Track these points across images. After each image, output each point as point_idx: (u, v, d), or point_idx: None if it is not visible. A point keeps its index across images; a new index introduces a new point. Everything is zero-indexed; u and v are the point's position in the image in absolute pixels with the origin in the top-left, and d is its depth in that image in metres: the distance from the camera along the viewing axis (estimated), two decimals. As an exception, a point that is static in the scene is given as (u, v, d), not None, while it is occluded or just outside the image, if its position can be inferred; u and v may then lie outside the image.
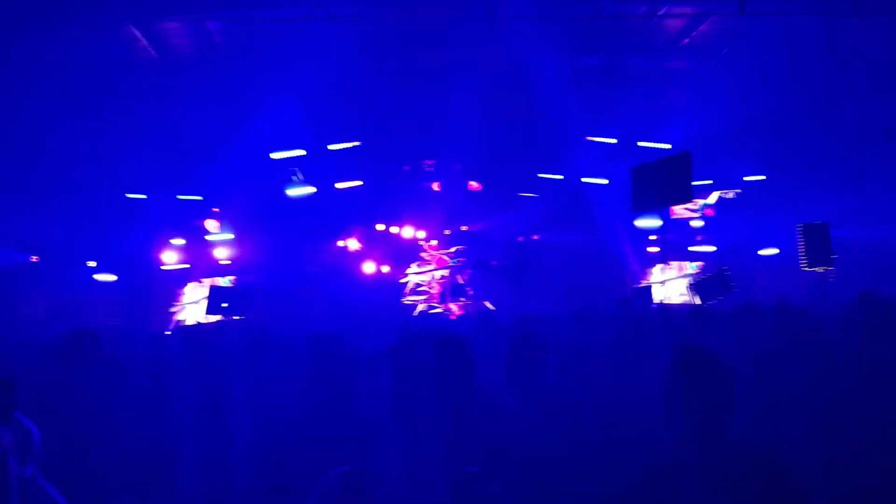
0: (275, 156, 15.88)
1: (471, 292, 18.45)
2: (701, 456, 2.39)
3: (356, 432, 2.78)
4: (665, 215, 17.32)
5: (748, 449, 2.43)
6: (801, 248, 9.26)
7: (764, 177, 17.43)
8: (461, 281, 18.73)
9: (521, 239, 18.98)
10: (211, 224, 18.29)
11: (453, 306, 18.26)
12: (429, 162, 18.14)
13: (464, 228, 19.24)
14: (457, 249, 19.06)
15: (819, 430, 3.23)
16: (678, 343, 2.64)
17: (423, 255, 18.99)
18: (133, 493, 3.73)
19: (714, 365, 2.50)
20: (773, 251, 17.79)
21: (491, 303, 17.52)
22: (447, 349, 2.01)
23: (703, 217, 18.60)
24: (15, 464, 2.31)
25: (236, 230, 18.19)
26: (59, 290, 16.44)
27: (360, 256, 18.60)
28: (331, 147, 15.80)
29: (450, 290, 18.58)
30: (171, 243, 18.16)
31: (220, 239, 18.29)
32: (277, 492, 3.42)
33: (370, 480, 1.94)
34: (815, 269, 9.12)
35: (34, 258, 16.59)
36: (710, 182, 16.86)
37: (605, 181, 17.25)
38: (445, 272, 18.80)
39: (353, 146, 15.82)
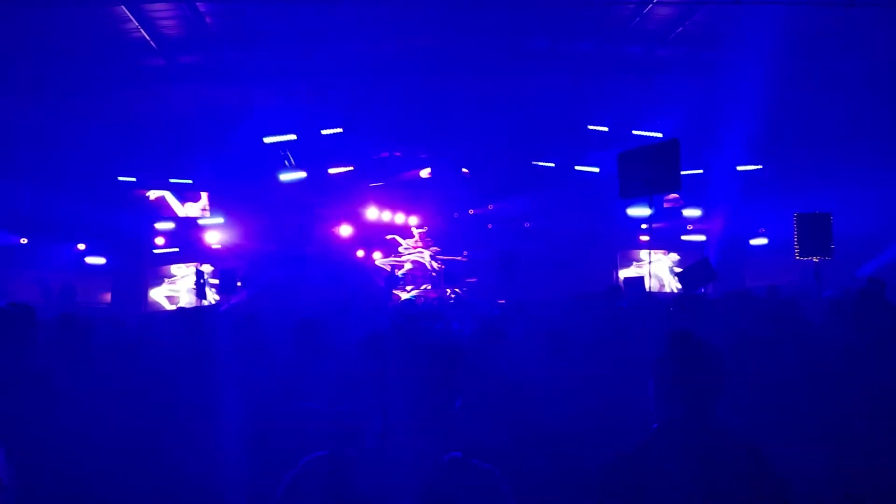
0: (267, 140, 15.80)
1: (460, 282, 18.46)
2: (684, 440, 2.38)
3: (339, 416, 2.77)
4: (658, 204, 17.31)
5: (732, 435, 2.42)
6: (796, 237, 9.29)
7: (760, 166, 17.44)
8: (440, 267, 18.75)
9: (527, 225, 18.97)
10: (201, 207, 18.22)
11: (443, 293, 18.27)
12: (422, 155, 18.12)
13: (456, 216, 19.24)
14: (447, 237, 19.05)
15: (807, 419, 3.23)
16: (667, 329, 2.64)
17: (411, 241, 18.98)
18: (122, 473, 3.70)
19: (702, 348, 2.49)
20: (762, 241, 17.91)
21: (484, 290, 17.55)
22: (434, 336, 2.00)
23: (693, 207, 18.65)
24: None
25: (226, 214, 18.13)
26: (48, 272, 16.35)
27: (350, 242, 18.57)
28: (324, 132, 15.71)
29: (441, 277, 18.58)
30: (160, 227, 18.08)
31: (210, 223, 18.23)
32: (261, 473, 3.40)
33: (349, 464, 1.92)
34: (810, 258, 9.14)
35: (23, 240, 16.48)
36: (701, 171, 16.82)
37: (597, 169, 17.25)
38: (428, 259, 18.80)
39: (343, 131, 15.71)
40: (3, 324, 3.83)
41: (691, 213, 18.73)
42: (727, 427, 2.42)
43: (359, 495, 1.88)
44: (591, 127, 15.89)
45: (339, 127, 15.52)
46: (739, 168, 17.32)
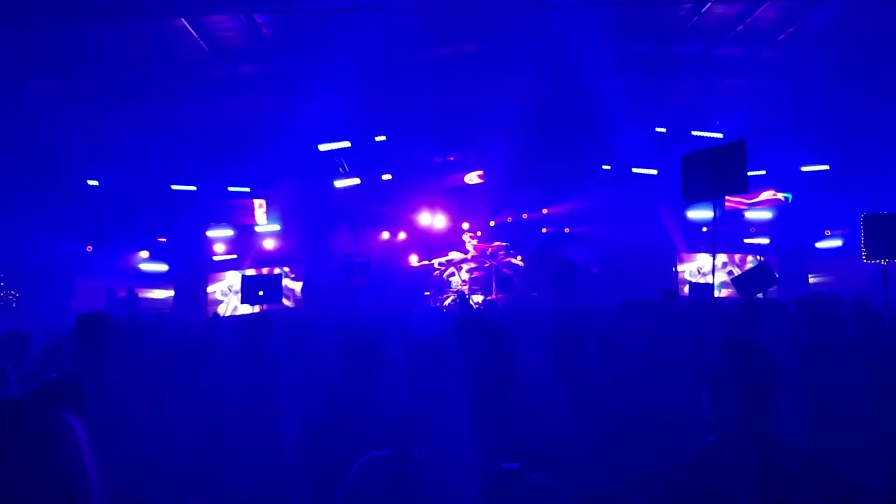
0: (322, 147, 15.99)
1: (516, 282, 18.32)
2: (745, 451, 2.27)
3: (395, 422, 2.75)
4: (719, 206, 16.87)
5: (795, 446, 2.31)
6: (863, 239, 8.93)
7: (827, 166, 16.87)
8: (507, 272, 18.62)
9: (567, 230, 18.78)
10: (258, 215, 18.57)
11: (496, 298, 18.17)
12: (473, 160, 18.08)
13: (509, 220, 19.12)
14: (499, 241, 18.95)
15: (874, 429, 3.07)
16: (726, 335, 2.54)
17: (466, 246, 18.94)
18: (178, 481, 3.75)
19: (762, 357, 2.37)
20: (836, 243, 17.23)
21: (537, 295, 17.38)
22: (487, 338, 1.96)
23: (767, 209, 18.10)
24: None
25: (283, 221, 18.43)
26: (112, 279, 16.87)
27: (402, 248, 18.65)
28: (377, 139, 15.82)
29: (496, 282, 18.47)
30: (218, 234, 18.48)
31: (266, 230, 18.56)
32: (319, 481, 3.41)
33: (411, 466, 1.90)
34: (878, 260, 8.77)
35: (89, 248, 17.05)
36: (764, 172, 16.35)
37: (655, 171, 16.94)
38: (486, 263, 18.72)
39: (391, 138, 15.80)
40: (85, 329, 4.03)
41: (759, 215, 18.16)
42: (790, 439, 2.30)
43: (419, 498, 1.85)
44: (658, 129, 15.59)
45: (388, 134, 15.61)
46: (804, 168, 16.79)
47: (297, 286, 17.92)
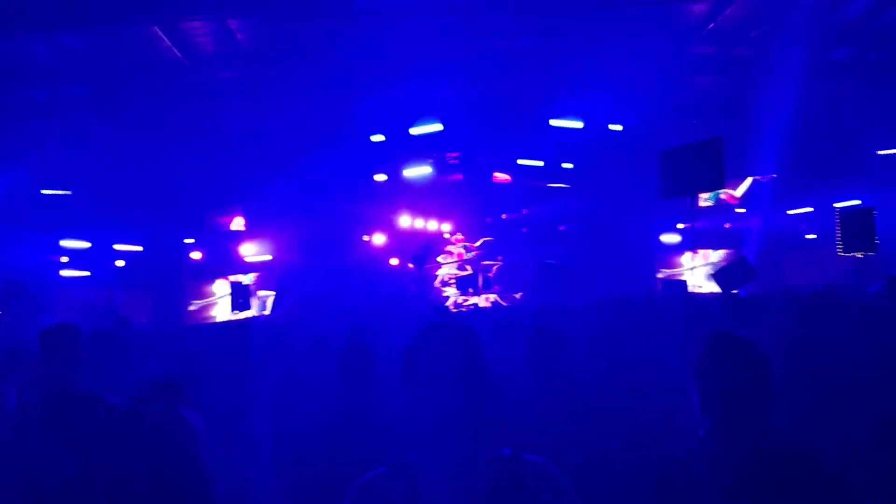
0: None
1: (497, 288, 18.38)
2: (732, 445, 2.30)
3: (385, 427, 2.75)
4: (695, 203, 17.00)
5: (785, 439, 2.34)
6: (839, 233, 9.08)
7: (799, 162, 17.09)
8: (490, 274, 18.66)
9: (561, 228, 18.84)
10: (237, 222, 18.45)
11: (481, 299, 18.21)
12: (452, 154, 18.01)
13: (488, 220, 19.17)
14: (483, 242, 18.99)
15: (859, 421, 3.12)
16: (709, 330, 2.57)
17: (448, 248, 18.95)
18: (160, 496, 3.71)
19: (748, 349, 2.40)
20: (810, 236, 17.49)
21: (519, 295, 17.46)
22: (458, 337, 1.98)
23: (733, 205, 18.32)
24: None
25: (263, 227, 18.33)
26: (89, 288, 16.67)
27: (385, 251, 18.61)
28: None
29: (479, 284, 18.51)
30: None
31: (248, 243, 18.45)
32: (306, 491, 3.40)
33: (411, 474, 1.91)
34: (854, 254, 8.93)
35: (64, 259, 16.84)
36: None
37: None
38: (469, 265, 18.74)
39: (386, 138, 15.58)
40: (50, 344, 3.92)
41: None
42: (779, 432, 2.34)
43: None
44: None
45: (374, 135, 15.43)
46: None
47: (269, 294, 17.80)
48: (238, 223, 18.50)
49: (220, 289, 18.65)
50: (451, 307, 17.07)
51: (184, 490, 1.68)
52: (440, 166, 18.03)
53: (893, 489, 2.73)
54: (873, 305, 5.26)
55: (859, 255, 8.87)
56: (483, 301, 18.14)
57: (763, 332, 3.36)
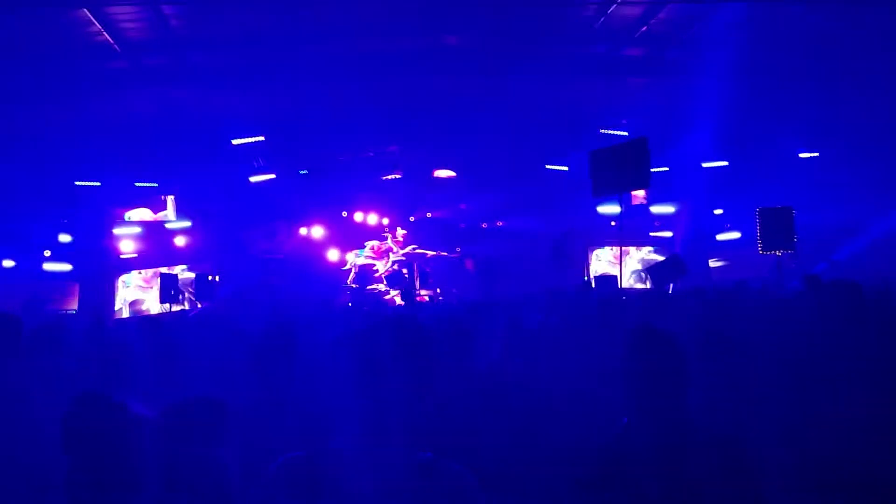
0: (235, 142, 15.64)
1: (432, 283, 18.38)
2: (655, 432, 2.42)
3: (311, 419, 2.75)
4: (626, 200, 17.41)
5: (704, 427, 2.47)
6: (759, 232, 9.45)
7: (726, 163, 17.65)
8: (428, 269, 18.65)
9: (484, 226, 18.97)
10: (168, 211, 18.00)
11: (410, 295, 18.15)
12: (392, 148, 17.94)
13: (428, 215, 19.15)
14: (405, 236, 18.91)
15: (776, 412, 3.27)
16: (633, 325, 2.68)
17: (383, 242, 18.83)
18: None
19: (668, 344, 2.54)
20: (735, 235, 18.07)
21: (456, 290, 17.51)
22: (402, 333, 2.00)
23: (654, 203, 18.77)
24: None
25: (194, 217, 17.91)
26: (12, 279, 16.00)
27: (322, 244, 18.41)
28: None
29: (415, 278, 18.46)
30: (122, 231, 17.78)
31: (177, 227, 17.99)
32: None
33: (322, 465, 1.92)
34: (773, 252, 9.31)
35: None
36: (667, 169, 16.97)
37: (566, 168, 17.34)
38: (400, 259, 18.67)
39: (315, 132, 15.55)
40: None
41: (663, 209, 18.83)
42: (698, 421, 2.46)
43: (334, 496, 1.88)
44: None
45: (306, 129, 15.34)
46: (704, 165, 17.52)
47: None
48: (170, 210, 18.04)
49: (148, 281, 18.09)
50: (390, 303, 17.05)
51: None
52: (380, 160, 17.89)
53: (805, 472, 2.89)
54: (790, 301, 5.50)
55: (778, 254, 9.25)
56: (397, 298, 17.95)
57: (682, 326, 3.51)
